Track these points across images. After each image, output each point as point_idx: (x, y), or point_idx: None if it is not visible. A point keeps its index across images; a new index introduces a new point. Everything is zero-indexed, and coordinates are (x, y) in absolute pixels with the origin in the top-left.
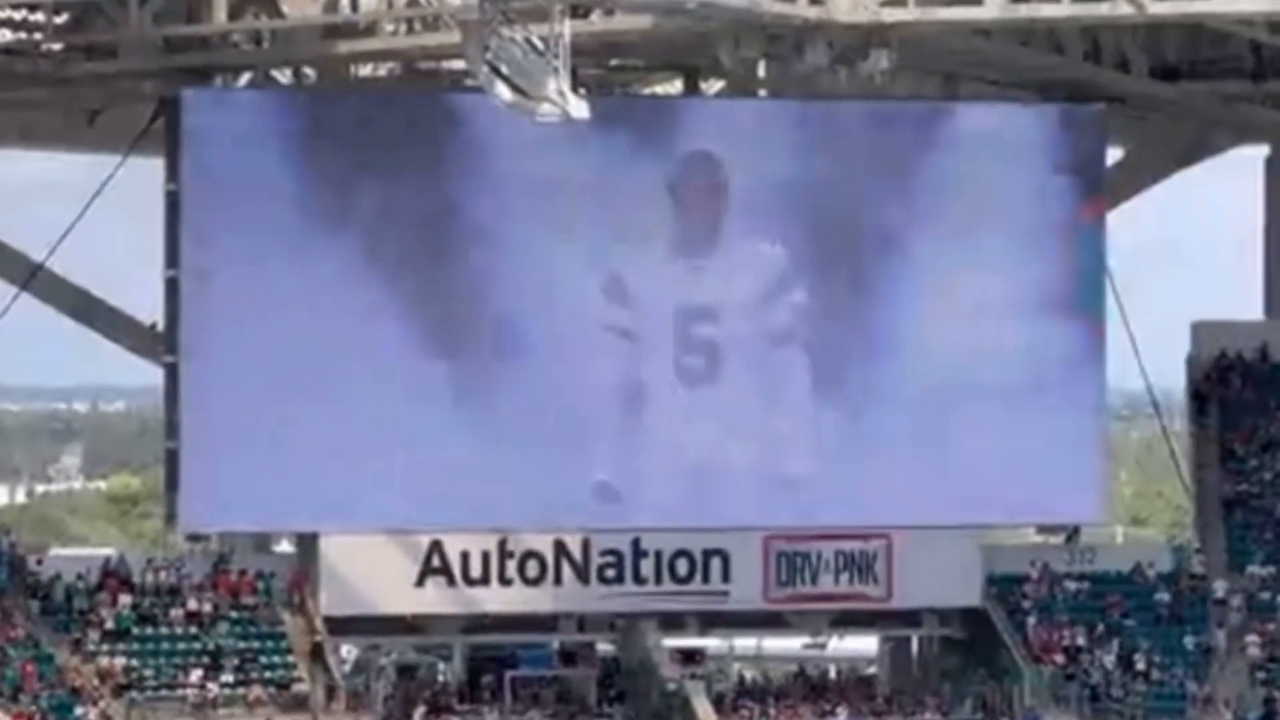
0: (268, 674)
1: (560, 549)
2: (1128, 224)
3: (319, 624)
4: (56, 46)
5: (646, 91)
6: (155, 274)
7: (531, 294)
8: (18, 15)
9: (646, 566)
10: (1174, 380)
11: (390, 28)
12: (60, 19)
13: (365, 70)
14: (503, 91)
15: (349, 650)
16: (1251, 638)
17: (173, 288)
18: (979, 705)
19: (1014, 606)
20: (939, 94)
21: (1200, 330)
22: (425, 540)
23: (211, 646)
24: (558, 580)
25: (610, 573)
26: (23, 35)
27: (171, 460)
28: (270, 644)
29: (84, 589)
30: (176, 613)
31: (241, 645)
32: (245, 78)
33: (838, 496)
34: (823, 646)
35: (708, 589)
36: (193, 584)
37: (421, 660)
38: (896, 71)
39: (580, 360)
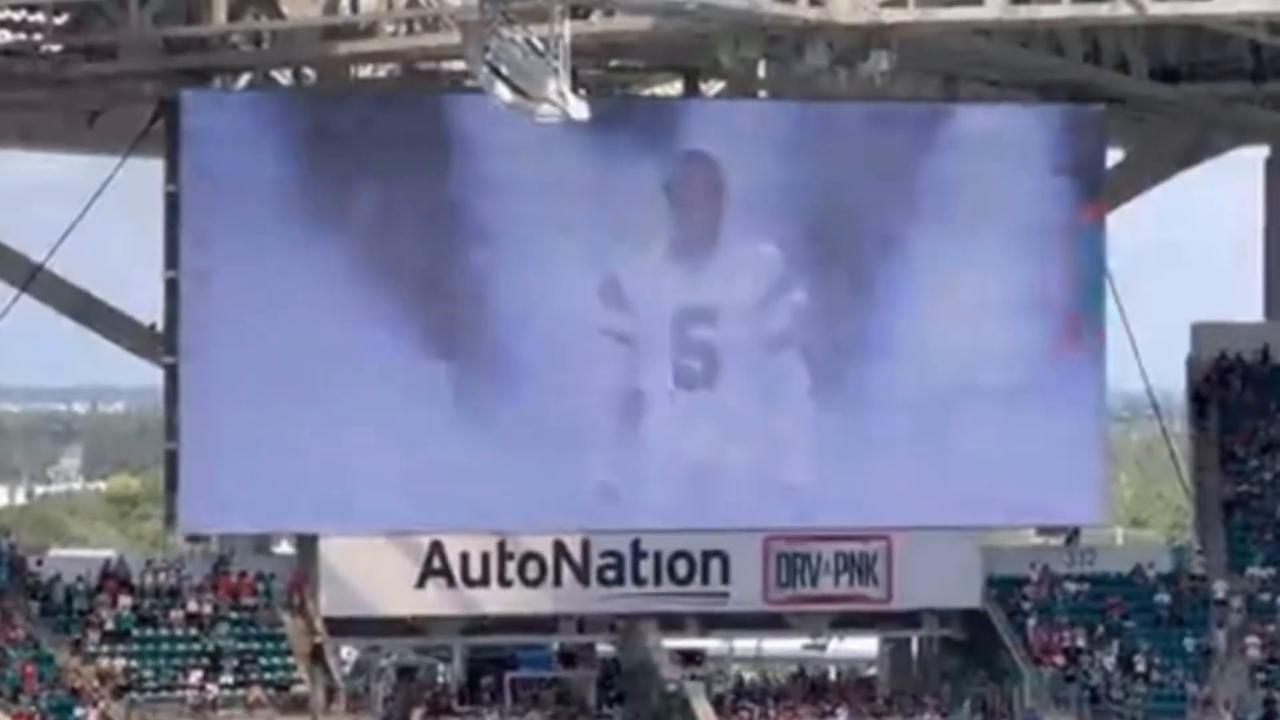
0: (267, 675)
1: (560, 550)
2: (1128, 225)
3: (319, 625)
4: (56, 47)
5: (646, 92)
6: (155, 275)
7: (530, 298)
8: (17, 16)
9: (646, 568)
10: (1174, 382)
11: (390, 29)
12: (60, 20)
13: (365, 71)
14: (503, 92)
15: (349, 652)
16: (1251, 639)
17: (172, 289)
18: (979, 707)
19: (1014, 608)
20: (939, 95)
21: (1200, 332)
22: (425, 541)
23: (211, 648)
24: (557, 581)
25: (610, 574)
26: (22, 36)
27: (171, 461)
28: (270, 645)
29: (84, 590)
30: (176, 614)
31: (241, 646)
32: (245, 79)
33: (837, 498)
34: (823, 648)
35: (707, 590)
36: (192, 585)
37: (421, 661)
38: (896, 72)
39: (578, 365)
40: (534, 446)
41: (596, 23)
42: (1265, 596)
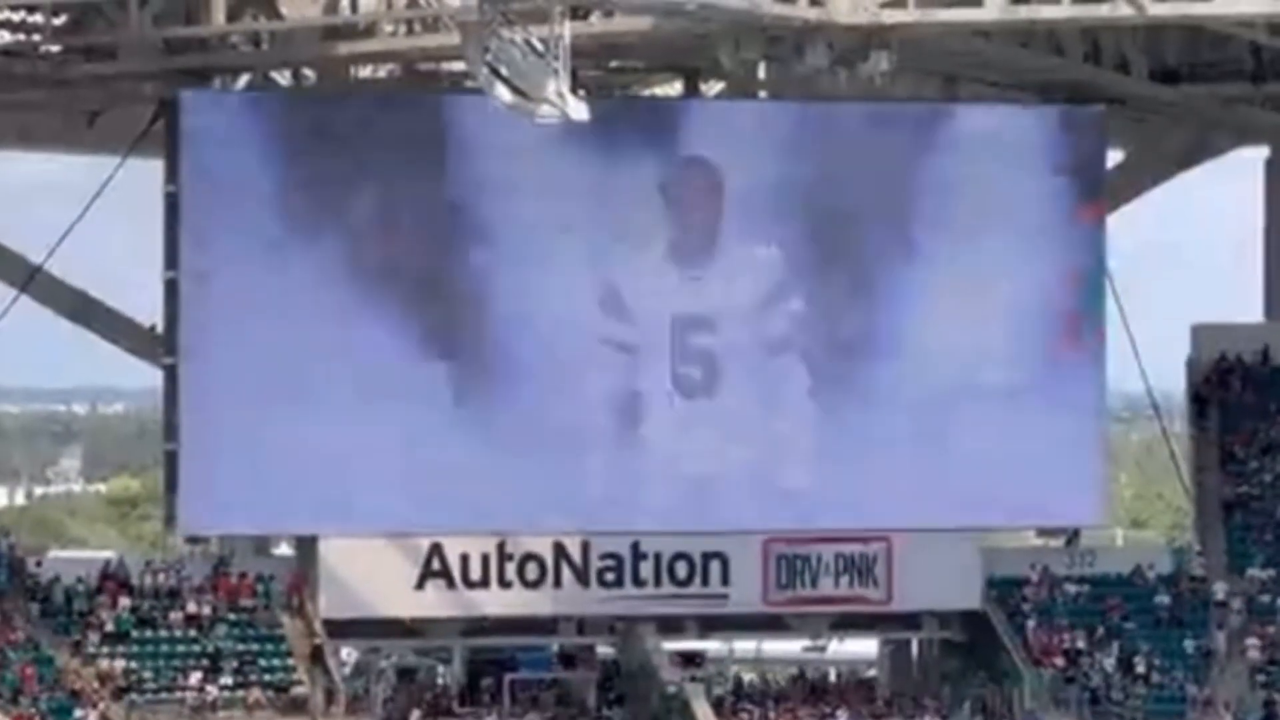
0: (267, 677)
1: (560, 551)
2: (1128, 226)
3: (318, 627)
4: (56, 48)
5: (646, 93)
6: (154, 276)
7: (530, 299)
8: (16, 17)
9: (646, 569)
10: (1174, 382)
11: (390, 29)
12: (59, 20)
13: (365, 72)
14: (502, 93)
15: (348, 653)
16: (1251, 640)
17: (172, 289)
18: (979, 708)
19: (1014, 609)
20: (939, 95)
21: (1200, 332)
22: (425, 543)
23: (211, 649)
24: (557, 583)
25: (610, 575)
26: (22, 37)
27: (170, 462)
28: (270, 647)
29: (83, 591)
30: (176, 615)
31: (241, 648)
32: (244, 79)
33: (837, 499)
34: (822, 649)
35: (707, 592)
36: (192, 586)
37: (421, 663)
38: (896, 73)
39: (579, 366)
40: (534, 448)
41: (596, 23)
42: (1265, 598)
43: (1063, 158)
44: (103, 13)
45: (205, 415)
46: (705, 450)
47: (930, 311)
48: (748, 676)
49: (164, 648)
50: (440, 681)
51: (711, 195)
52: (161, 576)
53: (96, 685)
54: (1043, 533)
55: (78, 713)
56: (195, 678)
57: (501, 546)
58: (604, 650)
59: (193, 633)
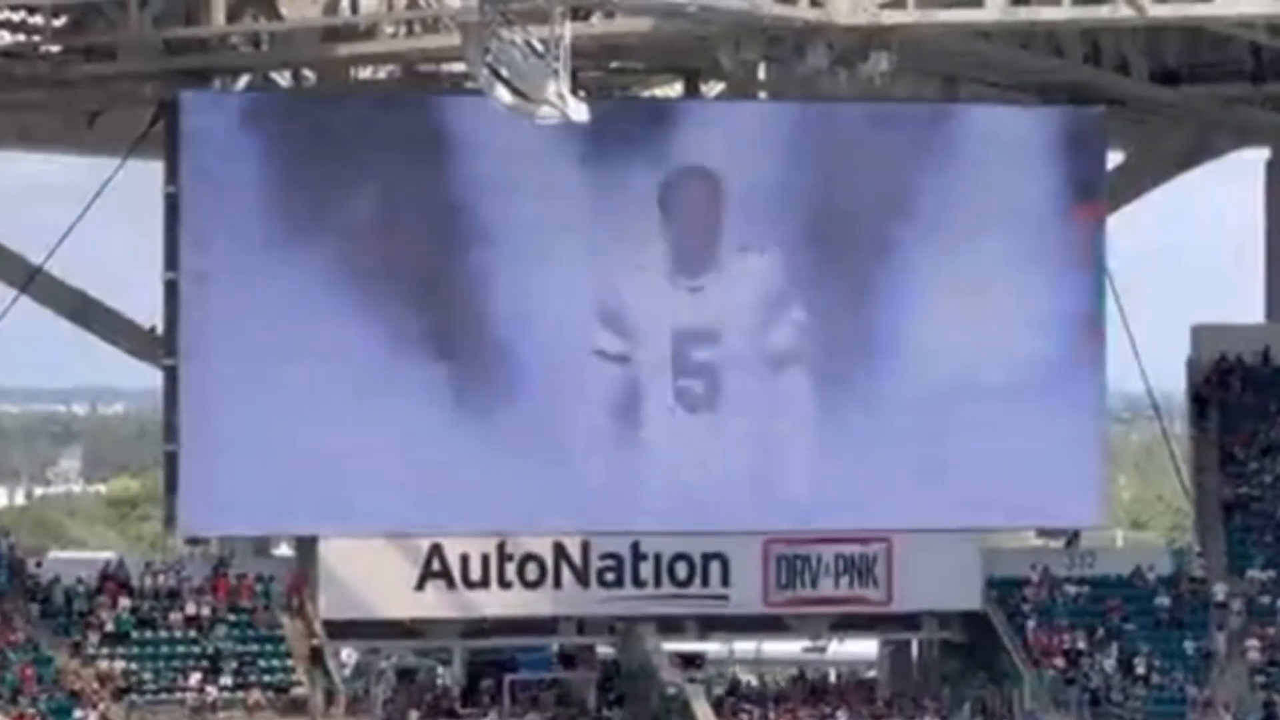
0: (267, 677)
1: (560, 552)
2: (1128, 227)
3: (318, 627)
4: (55, 49)
5: (646, 94)
6: (154, 276)
7: (529, 300)
8: (16, 17)
9: (646, 570)
10: (1174, 383)
11: (390, 30)
12: (59, 21)
13: (365, 73)
14: (503, 94)
15: (348, 654)
16: (1251, 641)
17: (172, 290)
18: (979, 709)
19: (1014, 610)
20: (939, 96)
21: (1200, 333)
22: (425, 543)
23: (211, 650)
24: (557, 583)
25: (610, 576)
26: (22, 37)
27: (170, 463)
28: (269, 647)
29: (83, 592)
30: (176, 616)
31: (241, 649)
32: (244, 80)
33: (837, 500)
34: (822, 650)
35: (707, 592)
36: (192, 587)
37: (421, 664)
38: (896, 74)
39: (578, 367)
40: (534, 448)
41: (596, 24)
42: (1265, 599)
43: (1063, 159)
44: (103, 13)
45: (205, 416)
46: (706, 447)
47: (930, 311)
48: (745, 677)
49: (164, 648)
50: (440, 682)
51: (711, 205)
52: (161, 577)
53: (96, 686)
54: (1043, 533)
55: (77, 713)
56: (195, 678)
57: (501, 547)
58: (604, 651)
59: (193, 633)
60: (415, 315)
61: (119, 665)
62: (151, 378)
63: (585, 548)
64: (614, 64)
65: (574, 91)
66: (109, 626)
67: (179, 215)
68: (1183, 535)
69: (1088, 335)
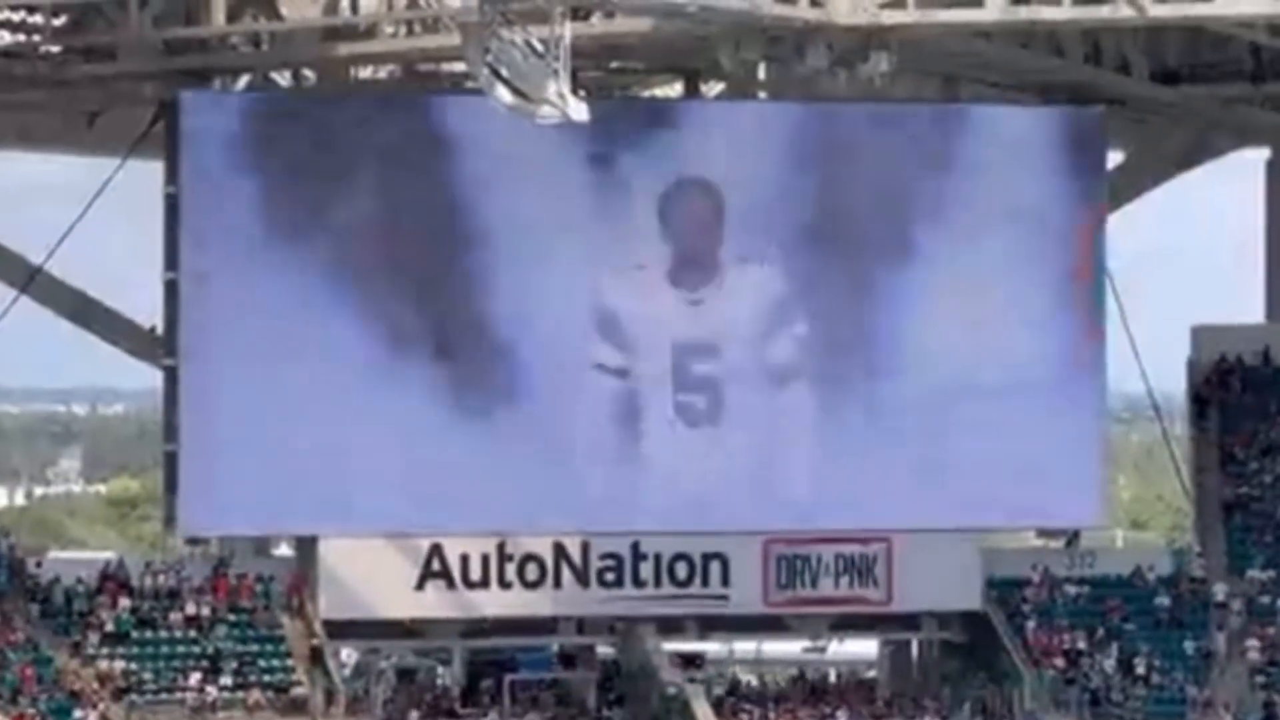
0: (267, 677)
1: (560, 552)
2: (1128, 227)
3: (318, 627)
4: (55, 49)
5: (646, 94)
6: (154, 276)
7: (529, 300)
8: (16, 17)
9: (646, 570)
10: (1174, 384)
11: (390, 30)
12: (59, 21)
13: (365, 73)
14: (503, 94)
15: (348, 654)
16: (1251, 641)
17: (172, 290)
18: (979, 709)
19: (1014, 610)
20: (939, 96)
21: (1200, 334)
22: (425, 544)
23: (210, 650)
24: (557, 583)
25: (610, 576)
26: (22, 37)
27: (170, 463)
28: (269, 647)
29: (83, 592)
30: (175, 616)
31: (240, 649)
32: (244, 80)
33: (837, 500)
34: (822, 650)
35: (707, 592)
36: (192, 587)
37: (421, 664)
38: (896, 74)
39: (578, 372)
40: (534, 448)
41: (597, 24)
42: (1265, 599)
43: (1063, 158)
44: (103, 13)
45: (205, 416)
46: (706, 447)
47: (930, 312)
48: (745, 677)
49: (164, 648)
50: (440, 682)
51: (711, 217)
52: (161, 577)
53: (96, 686)
54: (1043, 533)
55: (77, 713)
56: (195, 678)
57: (501, 547)
58: (604, 651)
59: (192, 633)
60: (414, 315)
61: (119, 665)
62: (151, 378)
63: (585, 548)
64: (614, 64)
65: (574, 91)
66: (109, 626)
67: (179, 215)
68: (1183, 535)
69: (1088, 335)
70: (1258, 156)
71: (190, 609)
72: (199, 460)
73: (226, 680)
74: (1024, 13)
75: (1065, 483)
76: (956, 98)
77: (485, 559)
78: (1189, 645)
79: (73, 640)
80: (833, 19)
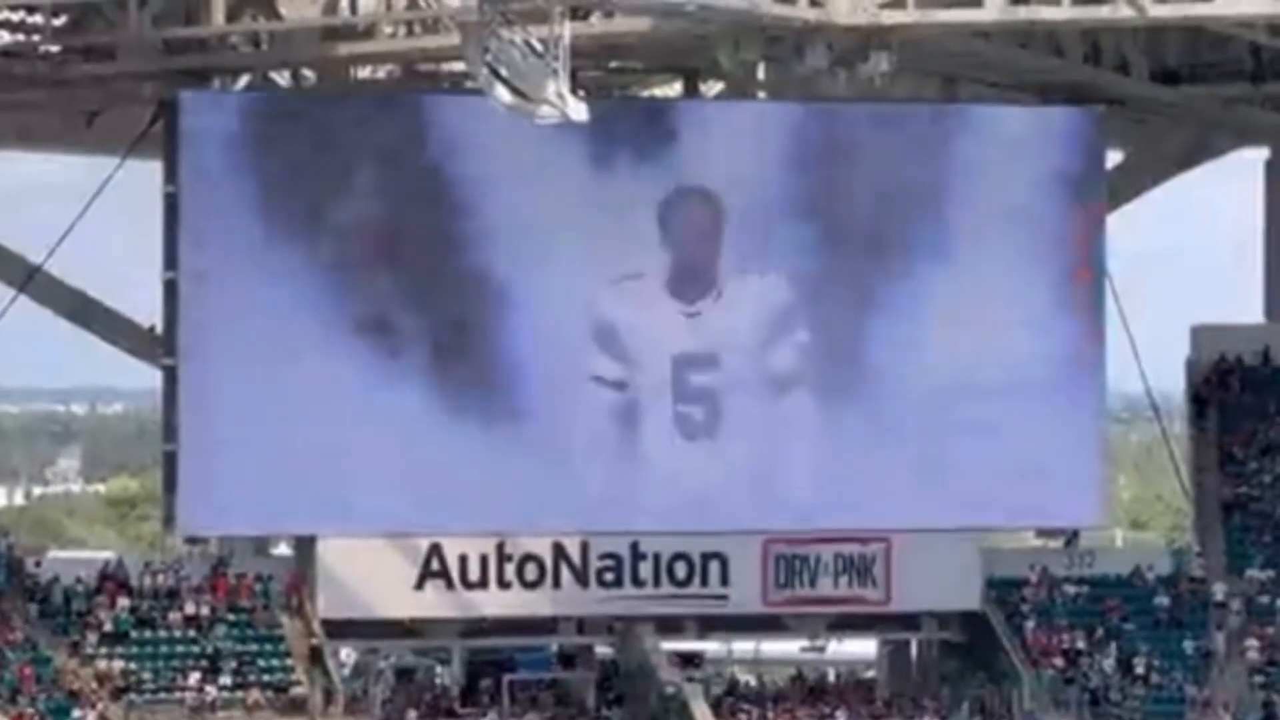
0: (266, 677)
1: (559, 552)
2: (1127, 227)
3: (317, 627)
4: (55, 48)
5: (645, 94)
6: (154, 276)
7: (529, 300)
8: (16, 17)
9: (645, 569)
10: (1174, 383)
11: (389, 30)
12: (59, 21)
13: (364, 72)
14: (502, 94)
15: (347, 654)
16: (1251, 641)
17: (171, 290)
18: (978, 709)
19: (1013, 610)
20: (939, 96)
21: (1200, 334)
22: (424, 543)
23: (210, 649)
24: (556, 583)
25: (609, 576)
26: (21, 37)
27: (169, 463)
28: (268, 647)
29: (82, 592)
30: (175, 615)
31: (240, 648)
32: (244, 80)
33: (836, 499)
34: (821, 650)
35: (706, 592)
36: (191, 587)
37: (420, 663)
38: (896, 74)
39: (577, 366)
40: (533, 449)
41: (596, 24)
42: (1264, 599)
43: (1063, 158)
44: (102, 13)
45: (205, 415)
46: (705, 447)
47: (930, 312)
48: (744, 677)
49: (163, 648)
50: (439, 682)
51: (710, 227)
52: (160, 577)
53: (95, 685)
54: (1042, 533)
55: (76, 713)
56: (194, 678)
57: (501, 547)
58: (603, 650)
59: (192, 633)
60: (414, 315)
61: (118, 665)
62: (151, 377)
63: (584, 548)
64: (614, 64)
65: (574, 91)
66: (108, 626)
67: (178, 215)
68: (1182, 535)
69: (1087, 335)
70: (1257, 156)
71: (189, 608)
72: (198, 460)
73: (225, 680)
74: (1023, 13)
75: (1065, 483)
76: (956, 98)
77: (484, 559)
78: (1188, 645)
79: (72, 640)
80: (832, 19)
